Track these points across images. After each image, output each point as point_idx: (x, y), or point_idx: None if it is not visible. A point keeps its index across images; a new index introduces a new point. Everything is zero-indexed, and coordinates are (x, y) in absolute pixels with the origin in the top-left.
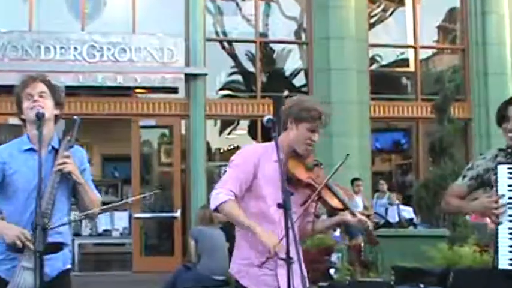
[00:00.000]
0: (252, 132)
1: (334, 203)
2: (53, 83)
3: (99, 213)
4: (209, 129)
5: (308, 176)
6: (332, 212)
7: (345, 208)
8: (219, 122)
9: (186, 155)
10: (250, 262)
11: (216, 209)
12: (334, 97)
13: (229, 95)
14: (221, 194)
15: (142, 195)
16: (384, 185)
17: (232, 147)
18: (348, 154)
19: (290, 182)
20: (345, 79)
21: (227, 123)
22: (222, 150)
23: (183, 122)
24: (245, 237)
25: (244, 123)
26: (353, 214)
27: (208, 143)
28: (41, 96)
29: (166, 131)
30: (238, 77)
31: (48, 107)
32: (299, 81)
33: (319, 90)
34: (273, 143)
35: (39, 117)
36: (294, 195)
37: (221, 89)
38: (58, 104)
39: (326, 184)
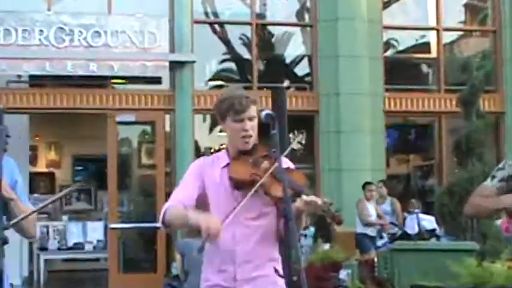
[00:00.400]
0: None
1: (279, 192)
2: None
3: (16, 223)
4: (197, 126)
5: (252, 172)
6: (280, 203)
7: (296, 195)
8: (208, 117)
9: (170, 155)
10: (211, 284)
11: (164, 224)
12: (342, 88)
13: (220, 86)
14: (165, 208)
15: (69, 190)
16: (383, 189)
17: (224, 146)
18: (302, 132)
19: (236, 186)
20: (356, 67)
21: (215, 120)
22: (212, 150)
23: (167, 117)
24: (206, 255)
25: None
26: (301, 197)
27: (196, 142)
28: None
29: (148, 128)
30: (231, 65)
31: None
32: (302, 69)
33: (325, 79)
34: (223, 152)
35: None
36: (243, 193)
37: (211, 79)
38: None
39: (273, 175)
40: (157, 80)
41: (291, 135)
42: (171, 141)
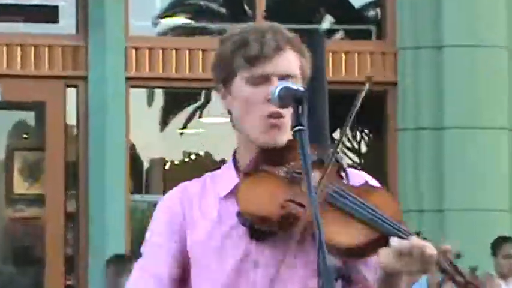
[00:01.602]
0: None
1: (343, 237)
2: None
3: None
4: (137, 113)
5: (287, 198)
6: (351, 258)
7: (381, 238)
8: (160, 95)
9: (79, 176)
10: None
11: None
12: (448, 39)
13: (186, 29)
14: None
15: None
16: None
17: (195, 157)
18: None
19: (253, 230)
20: None
21: (181, 100)
22: (168, 166)
23: (70, 93)
24: None
25: (219, 99)
26: (401, 237)
27: (134, 147)
28: None
29: (29, 118)
30: None
31: None
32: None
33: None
34: (227, 165)
35: None
36: (272, 246)
37: (165, 15)
38: None
39: (330, 202)
40: (51, 17)
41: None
42: (80, 145)
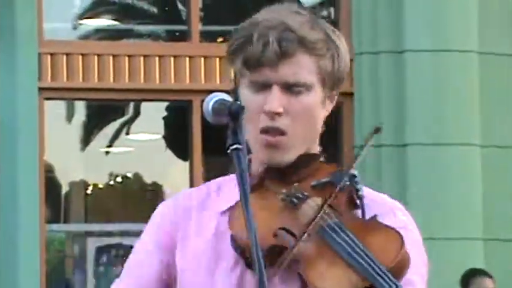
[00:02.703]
0: (180, 136)
1: (327, 282)
2: None
3: None
4: (53, 130)
5: (277, 227)
6: None
7: (367, 285)
8: (81, 108)
9: None
10: None
11: None
12: (411, 41)
13: (110, 31)
14: None
15: None
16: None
17: (122, 179)
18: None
19: (244, 257)
20: None
21: (105, 114)
22: (90, 190)
23: None
24: None
25: (154, 110)
26: None
27: (50, 169)
28: None
29: None
30: None
31: None
32: None
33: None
34: (226, 179)
35: None
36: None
37: (86, 16)
38: None
39: (321, 237)
40: None
41: None
42: None
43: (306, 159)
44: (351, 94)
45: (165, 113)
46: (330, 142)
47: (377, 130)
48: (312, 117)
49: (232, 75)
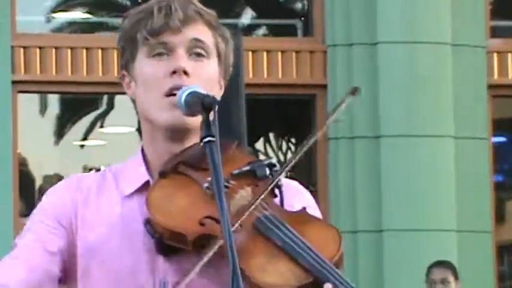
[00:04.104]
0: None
1: (270, 276)
2: None
3: None
4: (26, 123)
5: (203, 216)
6: None
7: (314, 284)
8: (54, 101)
9: None
10: None
11: None
12: (384, 33)
13: (83, 24)
14: None
15: None
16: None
17: (96, 171)
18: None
19: (162, 245)
20: None
21: (79, 107)
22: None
23: None
24: None
25: (127, 103)
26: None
27: (23, 162)
28: None
29: None
30: None
31: None
32: None
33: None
34: (134, 158)
35: None
36: (178, 263)
37: (59, 9)
38: None
39: (256, 228)
40: None
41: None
42: None
43: (221, 144)
44: (325, 86)
45: None
46: (304, 133)
47: (354, 91)
48: (214, 87)
49: (122, 60)
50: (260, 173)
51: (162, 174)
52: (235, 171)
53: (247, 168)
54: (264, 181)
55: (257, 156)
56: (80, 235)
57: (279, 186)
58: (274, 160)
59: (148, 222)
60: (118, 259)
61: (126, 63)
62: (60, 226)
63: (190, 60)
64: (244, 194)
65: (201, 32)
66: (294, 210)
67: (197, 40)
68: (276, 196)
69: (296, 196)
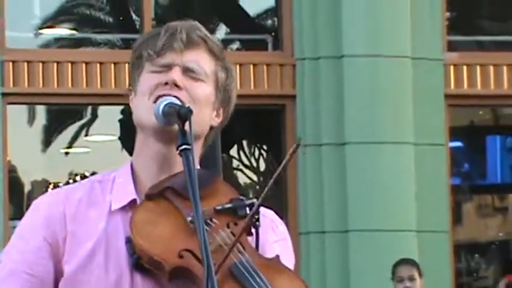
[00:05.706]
0: (134, 137)
1: None
2: None
3: None
4: (15, 132)
5: (183, 248)
6: None
7: None
8: (41, 112)
9: None
10: None
11: None
12: (349, 47)
13: (69, 40)
14: None
15: None
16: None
17: (81, 178)
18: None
19: (141, 269)
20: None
21: (65, 118)
22: (51, 189)
23: None
24: None
25: (110, 113)
26: None
27: (13, 169)
28: None
29: None
30: None
31: None
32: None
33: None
34: (123, 170)
35: None
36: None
37: (46, 26)
38: None
39: (230, 271)
40: None
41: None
42: None
43: (207, 176)
44: (294, 96)
45: (120, 116)
46: (273, 142)
47: (298, 146)
48: (205, 107)
49: (130, 77)
50: (241, 212)
51: (149, 197)
52: (218, 207)
53: (229, 205)
54: (243, 220)
55: (236, 186)
56: (67, 251)
57: (256, 227)
58: (255, 200)
59: (129, 241)
60: (103, 275)
61: (133, 78)
62: (46, 245)
63: (184, 77)
64: (224, 234)
65: (201, 57)
66: (268, 257)
67: (193, 69)
68: (252, 234)
69: (270, 228)
